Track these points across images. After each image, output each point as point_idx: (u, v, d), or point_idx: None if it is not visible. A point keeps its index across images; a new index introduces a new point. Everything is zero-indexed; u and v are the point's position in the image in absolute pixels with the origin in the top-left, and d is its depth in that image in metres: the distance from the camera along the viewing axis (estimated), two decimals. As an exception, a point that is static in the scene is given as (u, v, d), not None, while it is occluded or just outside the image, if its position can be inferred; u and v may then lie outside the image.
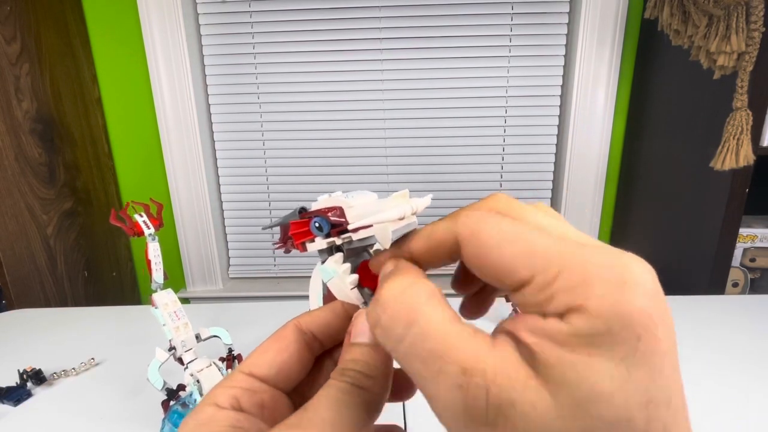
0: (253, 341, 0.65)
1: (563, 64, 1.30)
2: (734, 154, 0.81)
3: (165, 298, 0.46)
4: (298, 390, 0.19)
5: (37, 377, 0.58)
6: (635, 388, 0.11)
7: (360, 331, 0.17)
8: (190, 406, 0.46)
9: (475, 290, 0.19)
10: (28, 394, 0.56)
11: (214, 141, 1.41)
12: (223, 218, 1.48)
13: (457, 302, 0.19)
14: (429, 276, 0.16)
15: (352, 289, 0.20)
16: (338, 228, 0.20)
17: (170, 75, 1.28)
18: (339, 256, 0.20)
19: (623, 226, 1.35)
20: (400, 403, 0.52)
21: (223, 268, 1.50)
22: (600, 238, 1.40)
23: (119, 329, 0.73)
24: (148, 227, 0.46)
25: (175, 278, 1.47)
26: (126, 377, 0.59)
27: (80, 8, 1.26)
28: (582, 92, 1.27)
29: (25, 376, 0.57)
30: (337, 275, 0.20)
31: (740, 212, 0.88)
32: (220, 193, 1.45)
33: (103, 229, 1.33)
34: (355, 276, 0.20)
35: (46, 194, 1.14)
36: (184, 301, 1.47)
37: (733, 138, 0.81)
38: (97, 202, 1.32)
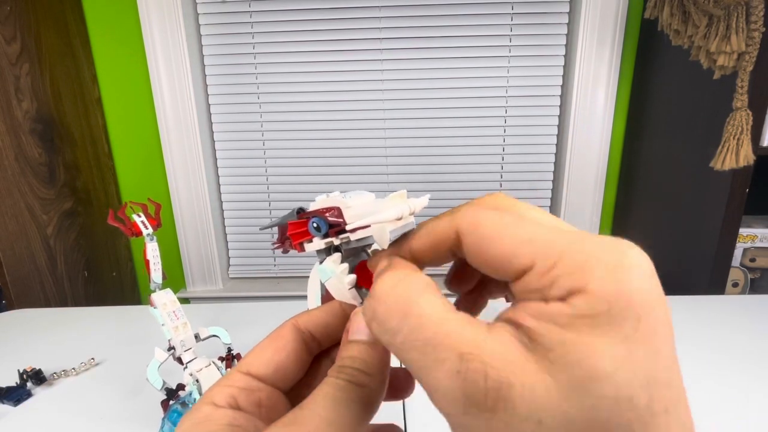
0: (252, 341, 0.64)
1: (563, 64, 1.30)
2: (734, 154, 0.81)
3: (164, 298, 0.47)
4: (295, 389, 0.19)
5: (37, 377, 0.58)
6: (637, 367, 0.11)
7: (357, 328, 0.18)
8: (190, 406, 0.46)
9: (469, 288, 0.19)
10: (28, 394, 0.56)
11: (214, 141, 1.41)
12: (223, 218, 1.48)
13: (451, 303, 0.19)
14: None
15: (349, 289, 0.20)
16: (336, 228, 0.20)
17: (170, 75, 1.28)
18: (337, 256, 0.20)
19: (623, 227, 1.35)
20: (400, 403, 0.52)
21: (223, 268, 1.50)
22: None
23: (119, 329, 0.73)
24: (146, 227, 0.46)
25: (175, 278, 1.47)
26: (126, 377, 0.59)
27: (80, 8, 1.26)
28: (582, 92, 1.27)
29: (25, 376, 0.57)
30: (335, 275, 0.20)
31: (740, 212, 0.88)
32: (220, 193, 1.45)
33: (103, 229, 1.33)
34: (353, 276, 0.20)
35: (46, 194, 1.14)
36: (184, 301, 1.47)
37: (733, 138, 0.81)
38: (97, 202, 1.32)
